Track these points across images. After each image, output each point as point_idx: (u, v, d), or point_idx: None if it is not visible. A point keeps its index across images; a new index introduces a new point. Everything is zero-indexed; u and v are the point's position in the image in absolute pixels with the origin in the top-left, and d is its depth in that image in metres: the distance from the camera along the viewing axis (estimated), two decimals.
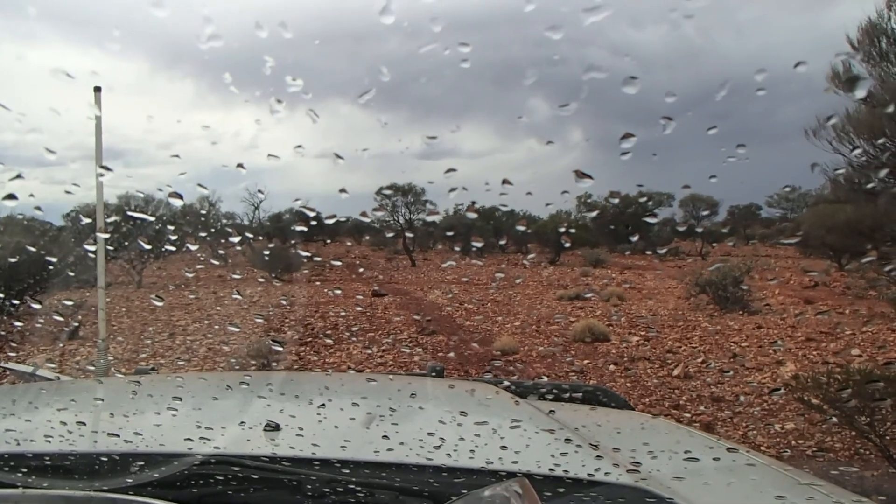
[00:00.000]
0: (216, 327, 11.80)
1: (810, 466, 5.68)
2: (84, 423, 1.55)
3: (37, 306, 10.73)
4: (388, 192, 28.38)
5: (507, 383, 2.27)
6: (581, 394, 2.36)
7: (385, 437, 1.41)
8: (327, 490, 1.16)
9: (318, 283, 20.57)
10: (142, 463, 1.19)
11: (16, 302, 11.05)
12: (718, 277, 14.18)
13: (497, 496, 0.99)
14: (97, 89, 4.27)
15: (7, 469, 1.17)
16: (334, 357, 9.51)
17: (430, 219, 32.86)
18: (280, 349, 8.76)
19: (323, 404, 1.81)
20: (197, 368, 8.81)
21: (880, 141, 8.69)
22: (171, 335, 10.95)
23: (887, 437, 5.61)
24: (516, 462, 1.30)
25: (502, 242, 31.97)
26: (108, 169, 4.67)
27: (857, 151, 9.13)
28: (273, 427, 1.39)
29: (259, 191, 28.54)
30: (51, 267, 11.18)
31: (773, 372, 8.70)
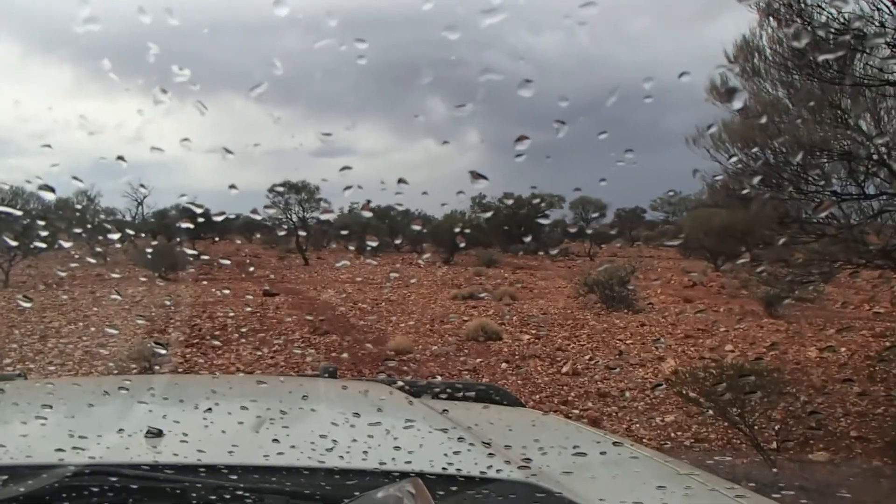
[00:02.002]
0: (93, 329, 11.16)
1: (688, 457, 5.99)
2: None
3: None
4: (280, 189, 27.75)
5: (400, 383, 2.25)
6: (474, 392, 2.37)
7: (275, 440, 1.36)
8: (213, 497, 1.10)
9: (205, 282, 19.85)
10: (5, 477, 1.08)
11: None
12: (605, 277, 14.74)
13: (390, 497, 0.97)
14: None
15: None
16: (223, 359, 9.20)
17: (324, 217, 32.42)
18: (164, 352, 8.37)
19: (209, 408, 1.72)
20: (71, 373, 8.29)
21: (753, 150, 9.27)
22: (43, 338, 10.25)
23: (756, 428, 5.99)
24: (409, 462, 1.28)
25: (397, 242, 31.95)
26: None
27: (733, 160, 9.71)
28: (155, 433, 1.30)
29: (142, 185, 27.17)
30: None
31: (655, 368, 9.13)
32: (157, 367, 7.90)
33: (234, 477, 1.14)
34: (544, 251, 31.26)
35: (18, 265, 19.00)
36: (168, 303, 14.56)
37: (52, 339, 10.24)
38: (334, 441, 1.36)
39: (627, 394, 7.95)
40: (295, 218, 29.09)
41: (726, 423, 6.24)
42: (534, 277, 21.98)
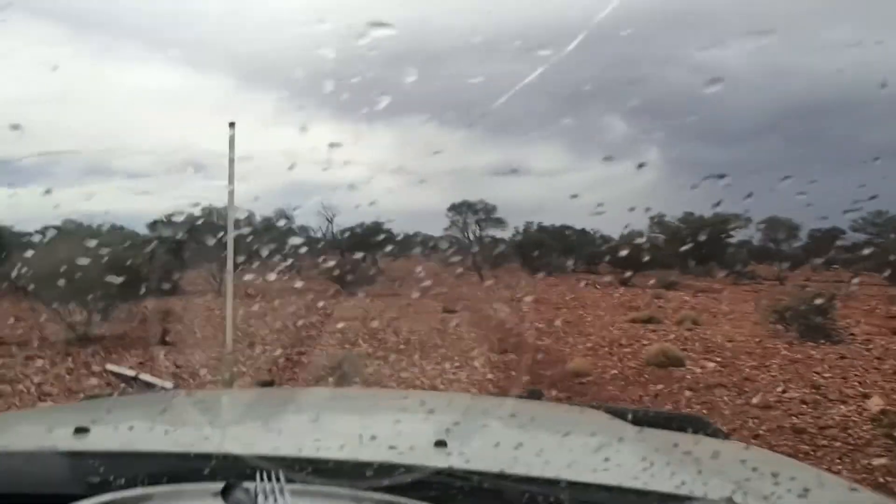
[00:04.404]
0: (291, 338, 12.17)
1: None
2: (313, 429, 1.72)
3: (129, 312, 11.29)
4: (459, 208, 28.61)
5: (609, 408, 2.33)
6: (677, 422, 2.39)
7: (538, 455, 1.49)
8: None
9: (389, 297, 20.89)
10: (371, 472, 1.25)
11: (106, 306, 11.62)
12: (799, 304, 13.75)
13: None
14: (232, 125, 4.58)
15: (291, 469, 1.25)
16: (408, 372, 9.67)
17: (499, 236, 32.92)
18: (355, 362, 8.98)
19: (458, 423, 1.90)
20: (284, 379, 9.08)
21: None
22: (251, 345, 11.33)
23: None
24: (637, 480, 1.37)
25: (572, 261, 31.70)
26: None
27: None
28: (441, 443, 1.46)
29: (325, 207, 29.15)
30: (144, 274, 11.73)
31: (859, 405, 8.40)
32: (351, 376, 8.48)
33: (536, 487, 1.25)
34: (728, 274, 29.65)
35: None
36: (356, 315, 15.51)
37: (258, 346, 11.29)
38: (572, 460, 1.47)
39: (827, 431, 7.39)
40: (472, 236, 29.85)
41: None
42: (717, 302, 20.94)
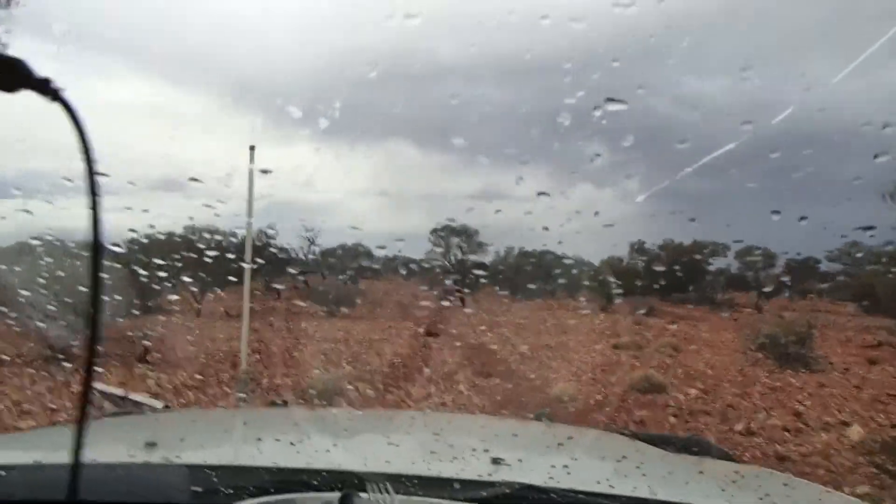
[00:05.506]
0: (273, 359, 12.07)
1: None
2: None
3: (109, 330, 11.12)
4: (441, 232, 28.65)
5: (626, 432, 2.36)
6: (680, 444, 2.42)
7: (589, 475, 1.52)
8: None
9: (370, 319, 20.80)
10: (460, 485, 1.30)
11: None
12: (777, 332, 13.91)
13: None
14: (252, 148, 4.65)
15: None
16: (393, 395, 9.62)
17: (480, 260, 32.94)
18: (349, 387, 8.92)
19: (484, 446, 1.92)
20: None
21: None
22: (234, 366, 11.21)
23: None
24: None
25: (552, 287, 31.81)
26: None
27: None
28: (498, 461, 1.49)
29: (305, 226, 29.09)
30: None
31: (840, 433, 8.49)
32: (338, 399, 8.42)
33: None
34: (706, 302, 29.92)
35: (208, 297, 20.85)
36: (339, 337, 15.43)
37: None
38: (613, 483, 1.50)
39: (810, 459, 7.46)
40: (453, 260, 29.87)
41: None
42: (696, 329, 21.10)
